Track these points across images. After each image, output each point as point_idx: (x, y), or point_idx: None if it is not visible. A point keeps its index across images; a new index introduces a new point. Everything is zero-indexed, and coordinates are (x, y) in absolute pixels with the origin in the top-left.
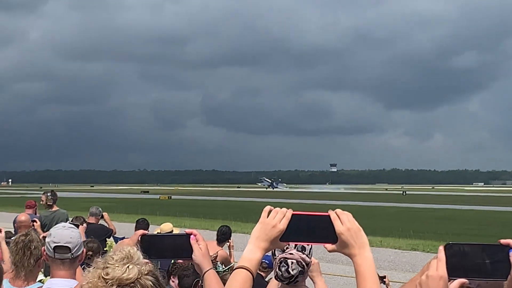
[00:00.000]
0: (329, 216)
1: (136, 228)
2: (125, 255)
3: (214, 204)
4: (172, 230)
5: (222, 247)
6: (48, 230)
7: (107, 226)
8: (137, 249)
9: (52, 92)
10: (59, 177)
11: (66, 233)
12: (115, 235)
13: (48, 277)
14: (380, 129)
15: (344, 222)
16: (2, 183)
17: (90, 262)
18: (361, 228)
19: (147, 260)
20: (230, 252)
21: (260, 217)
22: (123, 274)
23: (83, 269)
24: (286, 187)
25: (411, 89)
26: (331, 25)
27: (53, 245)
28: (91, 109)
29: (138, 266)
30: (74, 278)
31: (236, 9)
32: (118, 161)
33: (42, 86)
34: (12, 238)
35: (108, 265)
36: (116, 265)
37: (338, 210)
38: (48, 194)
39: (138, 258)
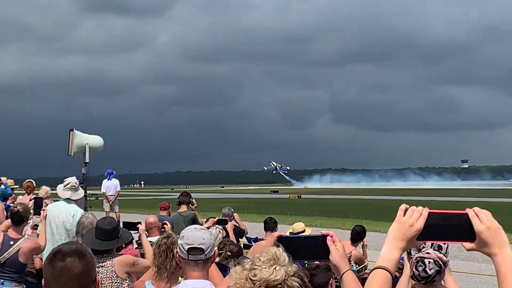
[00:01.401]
0: (467, 214)
1: (265, 228)
2: (271, 256)
3: (345, 202)
4: (304, 230)
5: (355, 246)
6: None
7: (238, 226)
8: (283, 250)
9: (181, 95)
10: (189, 179)
11: (198, 235)
12: (247, 235)
13: (182, 279)
14: None
15: (483, 221)
16: (135, 185)
17: (228, 263)
18: (500, 226)
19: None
20: (363, 251)
21: (395, 215)
22: (270, 275)
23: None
24: (286, 171)
25: None
26: (459, 19)
27: (186, 247)
28: (220, 110)
29: (284, 267)
30: (207, 279)
31: (362, 5)
32: (247, 161)
33: (172, 89)
34: (153, 240)
35: (255, 267)
36: (263, 266)
37: (477, 208)
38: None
39: (284, 259)
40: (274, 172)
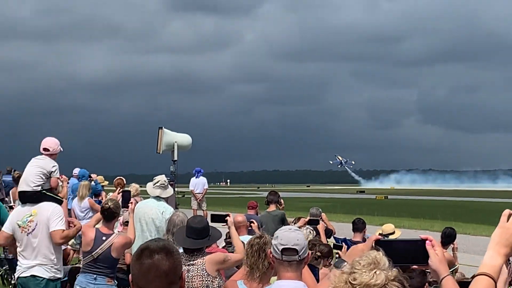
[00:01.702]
0: None
1: (353, 229)
2: (371, 260)
3: (433, 203)
4: (394, 231)
5: (446, 249)
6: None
7: (326, 226)
8: (383, 254)
9: (268, 93)
10: (275, 177)
11: (293, 236)
12: (335, 235)
13: (274, 278)
14: None
15: None
16: (221, 183)
17: (317, 264)
18: None
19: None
20: (454, 254)
21: (485, 218)
22: (370, 279)
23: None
24: (351, 165)
25: None
26: None
27: (280, 247)
28: (306, 109)
29: (384, 272)
30: (301, 280)
31: (452, 4)
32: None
33: (258, 87)
34: (241, 239)
35: (355, 270)
36: (363, 270)
37: None
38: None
39: (384, 263)
40: (339, 166)
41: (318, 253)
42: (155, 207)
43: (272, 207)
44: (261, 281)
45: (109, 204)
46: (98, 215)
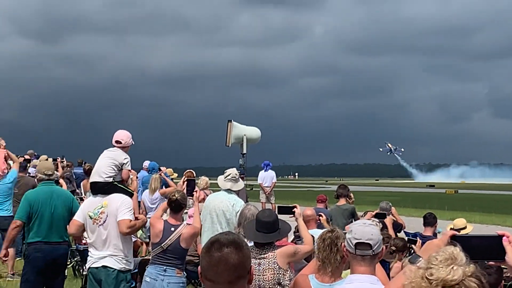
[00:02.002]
0: None
1: (424, 223)
2: (449, 256)
3: (504, 198)
4: (466, 226)
5: None
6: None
7: (396, 220)
8: (460, 250)
9: (336, 87)
10: (344, 171)
11: (367, 230)
12: (405, 230)
13: (348, 271)
14: None
15: None
16: (289, 176)
17: (391, 258)
18: None
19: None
20: None
21: None
22: (447, 275)
23: None
24: (401, 153)
25: None
26: None
27: (354, 241)
28: (375, 103)
29: (462, 267)
30: (374, 274)
31: None
32: (402, 154)
33: (327, 81)
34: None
35: (431, 266)
36: (440, 265)
37: None
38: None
39: (462, 259)
40: (388, 154)
41: (393, 247)
42: (226, 200)
43: (342, 201)
44: (333, 275)
45: (176, 195)
46: (164, 204)
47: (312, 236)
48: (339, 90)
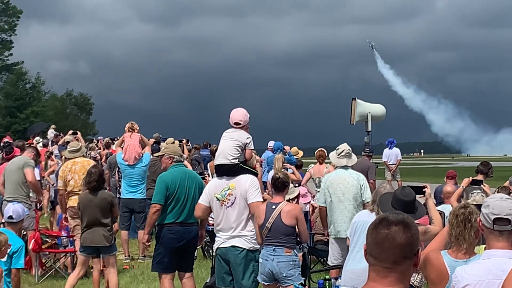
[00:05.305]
0: None
1: None
2: None
3: None
4: None
5: None
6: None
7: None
8: None
9: (460, 61)
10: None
11: (505, 205)
12: None
13: (482, 246)
14: None
15: None
16: (415, 153)
17: None
18: None
19: None
20: None
21: None
22: None
23: None
24: None
25: None
26: None
27: (492, 216)
28: (500, 76)
29: None
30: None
31: None
32: None
33: (450, 55)
34: (450, 209)
35: None
36: None
37: None
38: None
39: None
40: None
41: None
42: (347, 175)
43: (480, 177)
44: (467, 252)
45: (279, 175)
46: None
47: (442, 212)
48: (464, 64)
